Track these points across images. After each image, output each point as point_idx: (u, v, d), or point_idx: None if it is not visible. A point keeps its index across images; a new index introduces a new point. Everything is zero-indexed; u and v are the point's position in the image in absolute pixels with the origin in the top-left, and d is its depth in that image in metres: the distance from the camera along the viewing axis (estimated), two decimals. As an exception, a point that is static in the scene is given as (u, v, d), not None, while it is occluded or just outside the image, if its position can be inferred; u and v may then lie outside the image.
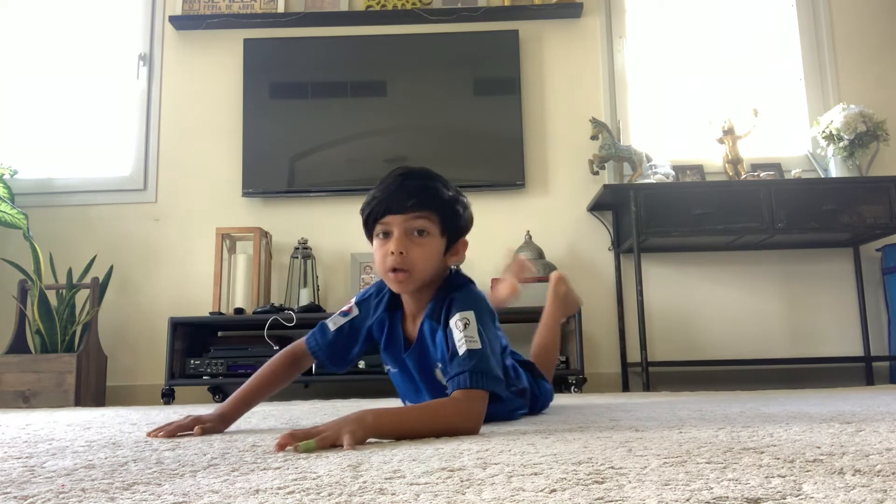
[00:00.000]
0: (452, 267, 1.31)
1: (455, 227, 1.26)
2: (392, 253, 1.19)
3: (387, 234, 1.22)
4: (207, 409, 1.30)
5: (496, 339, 1.25)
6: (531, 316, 3.19)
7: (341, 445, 0.94)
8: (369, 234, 1.27)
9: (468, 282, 1.30)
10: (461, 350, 1.15)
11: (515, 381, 1.45)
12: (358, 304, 1.36)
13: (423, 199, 1.21)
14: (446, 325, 1.21)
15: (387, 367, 1.40)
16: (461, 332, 1.17)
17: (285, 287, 3.40)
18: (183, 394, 3.22)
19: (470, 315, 1.19)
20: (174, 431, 1.18)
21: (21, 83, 3.72)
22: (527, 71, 3.60)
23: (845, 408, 1.55)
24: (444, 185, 1.26)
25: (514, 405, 1.46)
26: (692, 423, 1.22)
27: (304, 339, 1.36)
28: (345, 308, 1.37)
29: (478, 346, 1.15)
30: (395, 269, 1.20)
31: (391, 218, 1.21)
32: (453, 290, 1.25)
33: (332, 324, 1.34)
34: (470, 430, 1.10)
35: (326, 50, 3.58)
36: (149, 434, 1.20)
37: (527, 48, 3.62)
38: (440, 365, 1.24)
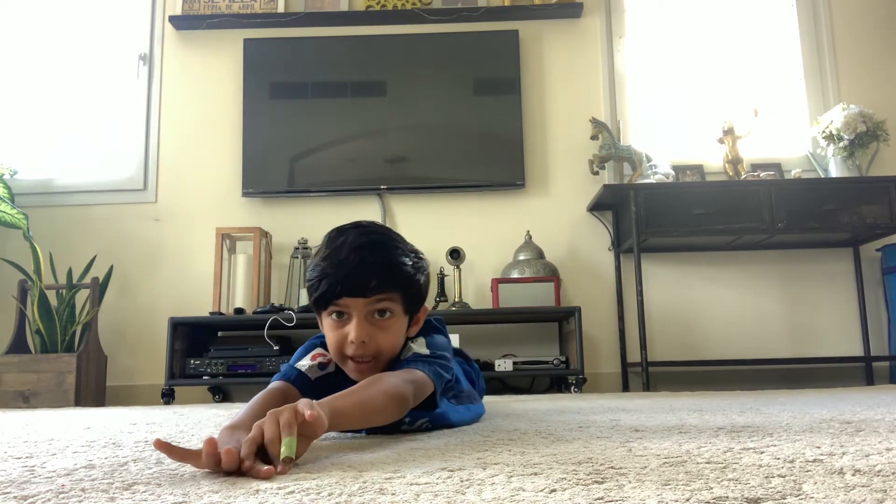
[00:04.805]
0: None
1: (418, 301, 1.14)
2: (352, 341, 1.06)
3: (341, 314, 1.08)
4: (207, 410, 1.30)
5: (446, 351, 1.19)
6: (531, 316, 3.19)
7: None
8: (317, 310, 1.11)
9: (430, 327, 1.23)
10: (408, 354, 1.13)
11: (456, 385, 1.34)
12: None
13: (387, 279, 1.06)
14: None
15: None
16: (412, 343, 1.15)
17: (285, 287, 3.40)
18: (183, 394, 3.22)
19: (419, 339, 1.17)
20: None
21: (21, 83, 3.72)
22: (527, 71, 3.60)
23: (845, 408, 1.55)
24: (403, 251, 1.11)
25: (472, 413, 1.36)
26: (692, 423, 1.22)
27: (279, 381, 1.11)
28: (322, 359, 1.15)
29: (426, 351, 1.14)
30: (357, 359, 1.07)
31: (349, 301, 1.05)
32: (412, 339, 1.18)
33: (311, 373, 1.13)
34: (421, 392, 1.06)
35: (326, 50, 3.58)
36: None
37: (527, 48, 3.62)
38: None
